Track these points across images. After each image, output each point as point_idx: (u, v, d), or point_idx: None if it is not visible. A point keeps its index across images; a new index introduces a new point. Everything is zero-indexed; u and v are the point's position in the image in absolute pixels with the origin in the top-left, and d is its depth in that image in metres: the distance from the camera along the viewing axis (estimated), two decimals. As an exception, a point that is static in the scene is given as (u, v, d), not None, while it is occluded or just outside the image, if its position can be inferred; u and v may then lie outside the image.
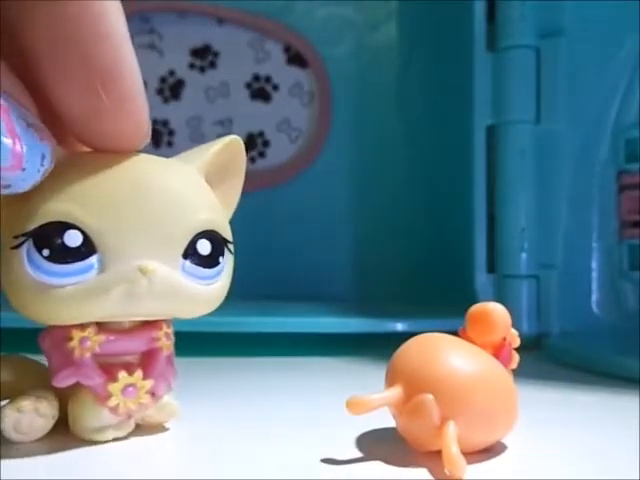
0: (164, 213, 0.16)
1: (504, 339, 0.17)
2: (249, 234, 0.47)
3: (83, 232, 0.16)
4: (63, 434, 0.17)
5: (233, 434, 0.18)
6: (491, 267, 0.36)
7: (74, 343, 0.16)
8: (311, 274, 0.46)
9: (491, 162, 0.36)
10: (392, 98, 0.47)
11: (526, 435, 0.18)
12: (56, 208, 0.16)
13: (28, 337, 0.25)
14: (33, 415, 0.17)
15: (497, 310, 0.17)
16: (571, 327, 0.35)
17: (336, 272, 0.47)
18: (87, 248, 0.16)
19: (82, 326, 0.17)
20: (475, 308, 0.17)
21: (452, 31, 0.39)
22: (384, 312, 0.35)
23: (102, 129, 0.16)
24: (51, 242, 0.16)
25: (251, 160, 0.48)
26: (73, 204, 0.16)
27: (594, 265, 0.35)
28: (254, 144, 0.48)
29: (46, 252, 0.15)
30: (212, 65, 0.49)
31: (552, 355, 0.31)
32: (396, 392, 0.16)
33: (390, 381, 0.16)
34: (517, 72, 0.35)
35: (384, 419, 0.17)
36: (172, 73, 0.48)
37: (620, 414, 0.21)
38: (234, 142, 0.19)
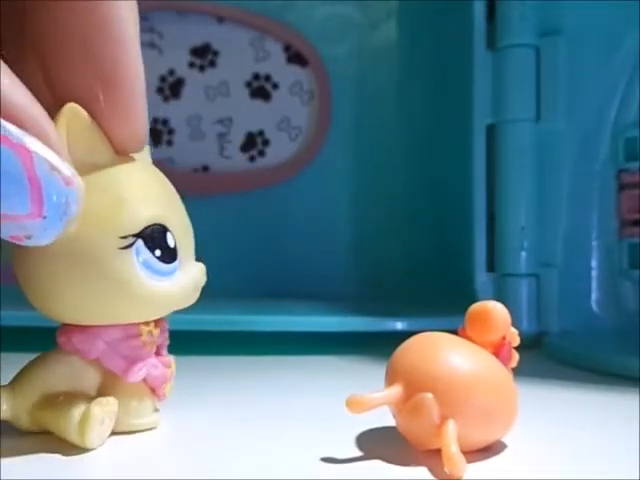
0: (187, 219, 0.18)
1: (504, 338, 0.17)
2: (249, 233, 0.47)
3: (172, 235, 0.17)
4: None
5: (232, 433, 0.18)
6: (491, 266, 0.36)
7: (145, 338, 0.17)
8: (311, 273, 0.46)
9: (491, 161, 0.36)
10: (392, 97, 0.47)
11: (526, 434, 0.18)
12: (156, 212, 0.17)
13: (28, 337, 0.25)
14: (113, 417, 0.17)
15: (497, 309, 0.17)
16: (571, 326, 0.34)
17: (336, 271, 0.47)
18: (175, 250, 0.17)
19: (145, 322, 0.17)
20: (475, 307, 0.17)
21: (452, 30, 0.39)
22: (384, 311, 0.35)
23: (108, 120, 0.16)
24: (161, 243, 0.16)
25: (251, 159, 0.48)
26: (163, 208, 0.17)
27: (594, 264, 0.35)
28: (254, 143, 0.48)
29: (158, 252, 0.16)
30: (212, 64, 0.49)
31: (552, 354, 0.31)
32: (396, 391, 0.16)
33: (390, 380, 0.16)
34: (517, 71, 0.35)
35: (384, 418, 0.17)
36: (172, 72, 0.48)
37: (620, 413, 0.21)
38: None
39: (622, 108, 0.35)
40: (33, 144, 0.13)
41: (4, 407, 0.17)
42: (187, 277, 0.17)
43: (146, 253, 0.16)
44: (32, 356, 0.18)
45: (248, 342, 0.32)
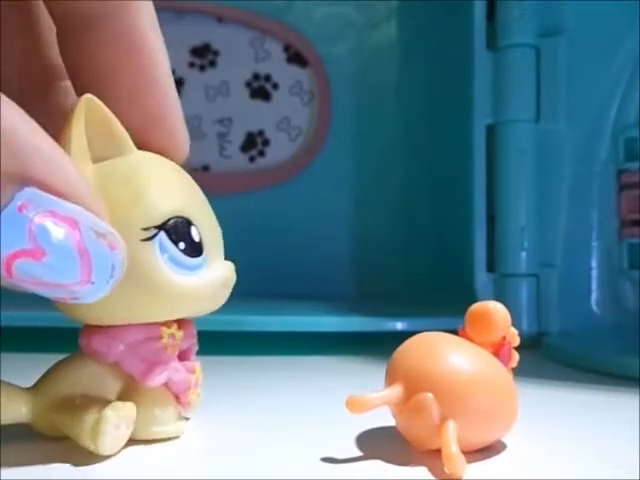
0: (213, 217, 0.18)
1: (504, 338, 0.17)
2: (249, 233, 0.47)
3: (197, 229, 0.16)
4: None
5: (232, 433, 0.18)
6: (491, 266, 0.36)
7: (165, 341, 0.17)
8: (311, 273, 0.46)
9: (491, 161, 0.36)
10: (392, 97, 0.47)
11: (526, 434, 0.18)
12: (179, 205, 0.16)
13: (28, 337, 0.25)
14: (130, 423, 0.16)
15: (497, 309, 0.17)
16: (571, 326, 0.34)
17: (336, 271, 0.47)
18: (201, 244, 0.16)
19: (167, 323, 0.17)
20: (475, 307, 0.17)
21: (452, 30, 0.39)
22: (384, 311, 0.35)
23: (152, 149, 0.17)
24: (185, 236, 0.16)
25: (251, 159, 0.48)
26: (186, 203, 0.16)
27: (594, 264, 0.35)
28: (254, 143, 0.48)
29: (182, 245, 0.16)
30: (212, 64, 0.49)
31: (552, 354, 0.31)
32: (396, 391, 0.16)
33: (390, 380, 0.16)
34: (517, 71, 0.35)
35: (384, 418, 0.17)
36: (172, 72, 0.48)
37: (620, 414, 0.21)
38: None
39: (622, 108, 0.35)
40: (79, 215, 0.14)
41: (24, 410, 0.16)
42: (214, 274, 0.17)
43: (170, 246, 0.16)
44: (32, 357, 0.18)
45: (247, 342, 0.32)
